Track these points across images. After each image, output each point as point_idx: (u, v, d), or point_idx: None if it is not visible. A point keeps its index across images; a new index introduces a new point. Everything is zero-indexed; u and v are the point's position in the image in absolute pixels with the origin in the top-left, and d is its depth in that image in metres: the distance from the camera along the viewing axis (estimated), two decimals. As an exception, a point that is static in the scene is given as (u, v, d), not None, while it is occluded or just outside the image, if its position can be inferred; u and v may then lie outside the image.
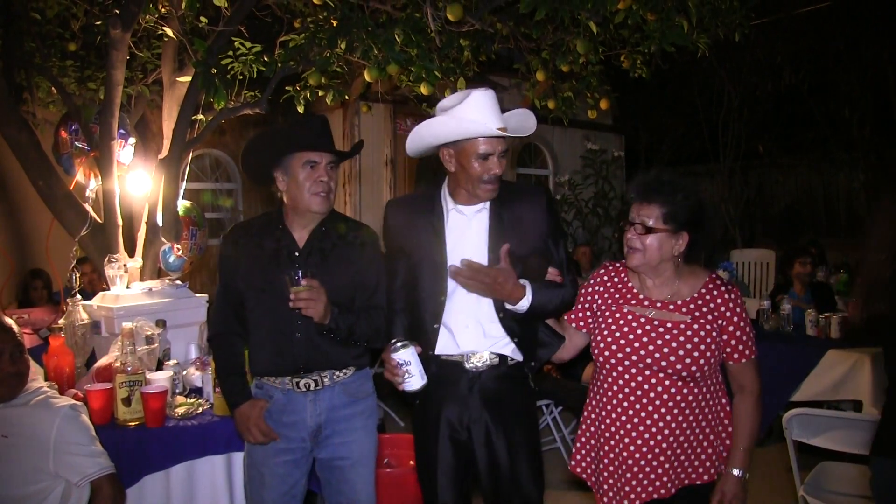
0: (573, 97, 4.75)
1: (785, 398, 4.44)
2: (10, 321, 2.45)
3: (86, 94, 4.54)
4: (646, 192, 2.21)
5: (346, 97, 4.60)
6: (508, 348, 2.37)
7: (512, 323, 2.35)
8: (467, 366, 2.37)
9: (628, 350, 2.22)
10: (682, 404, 2.18)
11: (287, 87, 4.20)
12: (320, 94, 4.16)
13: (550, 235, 2.41)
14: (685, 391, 2.18)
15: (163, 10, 3.85)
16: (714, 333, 2.17)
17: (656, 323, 2.22)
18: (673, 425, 2.17)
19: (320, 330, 2.37)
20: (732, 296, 2.19)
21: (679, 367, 2.15)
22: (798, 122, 10.48)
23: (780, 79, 9.79)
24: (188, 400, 2.96)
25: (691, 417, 2.19)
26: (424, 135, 2.41)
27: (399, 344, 2.24)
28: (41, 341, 4.08)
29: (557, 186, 9.26)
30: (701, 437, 2.23)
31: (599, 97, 4.72)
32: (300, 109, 4.18)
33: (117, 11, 3.57)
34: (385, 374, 2.32)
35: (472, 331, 2.37)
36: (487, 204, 2.41)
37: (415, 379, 2.26)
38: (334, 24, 3.65)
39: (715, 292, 2.20)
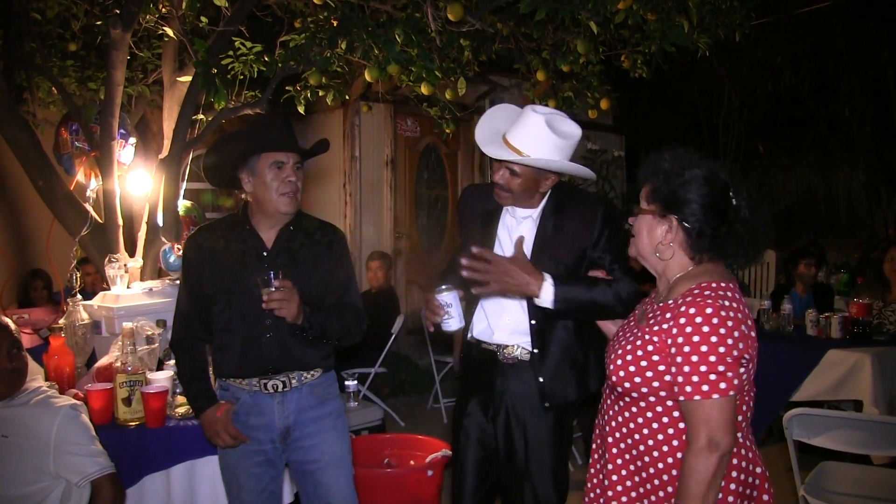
0: (573, 97, 4.75)
1: (785, 398, 4.44)
2: (6, 319, 2.45)
3: (86, 94, 4.54)
4: (644, 170, 1.90)
5: (347, 97, 4.59)
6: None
7: (544, 329, 2.40)
8: (500, 357, 2.47)
9: (607, 361, 1.91)
10: (633, 426, 1.81)
11: (287, 87, 4.19)
12: (321, 94, 4.16)
13: (596, 245, 2.40)
14: (635, 411, 1.81)
15: (163, 9, 3.85)
16: (671, 351, 1.70)
17: (626, 332, 1.90)
18: (633, 450, 1.83)
19: (293, 330, 2.36)
20: (703, 311, 1.65)
21: (627, 385, 1.79)
22: (798, 123, 10.48)
23: (781, 79, 9.79)
24: (189, 400, 2.96)
25: (649, 443, 1.79)
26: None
27: (444, 287, 2.32)
28: (41, 341, 4.07)
29: (558, 186, 9.25)
30: (663, 471, 1.78)
31: (600, 97, 4.72)
32: (300, 109, 4.18)
33: (117, 11, 3.58)
34: (425, 313, 2.38)
35: (508, 323, 2.47)
36: (539, 212, 2.46)
37: (454, 321, 2.34)
38: (335, 24, 3.65)
39: (689, 299, 1.70)
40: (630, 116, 10.43)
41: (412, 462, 3.56)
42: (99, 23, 4.14)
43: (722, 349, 1.62)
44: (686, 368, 1.64)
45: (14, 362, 2.38)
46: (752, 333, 1.72)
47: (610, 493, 1.87)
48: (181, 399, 2.95)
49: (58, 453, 2.31)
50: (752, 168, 11.18)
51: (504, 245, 2.47)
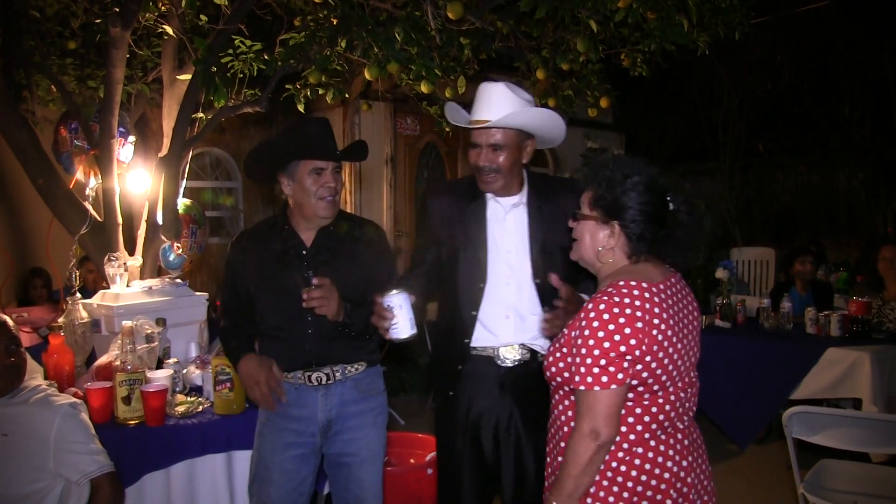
0: (573, 95, 4.75)
1: (785, 396, 4.44)
2: (3, 316, 2.46)
3: (86, 93, 4.53)
4: (587, 176, 1.93)
5: (347, 95, 4.59)
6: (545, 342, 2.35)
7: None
8: (498, 362, 2.41)
9: None
10: (556, 412, 1.92)
11: (287, 86, 4.19)
12: (320, 92, 4.15)
13: None
14: (557, 399, 1.91)
15: (163, 8, 3.84)
16: (575, 343, 1.77)
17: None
18: (556, 435, 1.93)
19: (335, 327, 2.40)
20: (597, 307, 1.72)
21: (548, 374, 1.89)
22: (798, 122, 10.46)
23: (780, 78, 9.77)
24: (188, 398, 2.96)
25: (564, 429, 1.88)
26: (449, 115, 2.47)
27: (393, 291, 2.20)
28: (41, 340, 4.07)
29: (557, 185, 9.24)
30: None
31: (600, 95, 4.71)
32: (300, 108, 4.18)
33: (117, 9, 3.57)
34: (373, 319, 2.25)
35: (512, 321, 2.41)
36: (524, 197, 2.45)
37: (402, 326, 2.20)
38: (334, 23, 3.64)
39: (596, 296, 1.78)
40: (630, 115, 10.44)
41: (412, 461, 3.56)
42: (98, 21, 4.13)
43: (607, 344, 1.68)
44: (577, 360, 1.73)
45: (12, 358, 2.39)
46: (656, 333, 1.71)
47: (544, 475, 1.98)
48: (181, 398, 2.95)
49: (57, 452, 2.31)
50: (751, 167, 11.17)
51: (497, 239, 2.44)
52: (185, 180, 4.10)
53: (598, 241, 1.84)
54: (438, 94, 4.30)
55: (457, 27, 3.79)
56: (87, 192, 4.07)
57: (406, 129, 7.62)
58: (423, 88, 3.88)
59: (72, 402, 2.41)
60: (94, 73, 4.52)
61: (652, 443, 1.77)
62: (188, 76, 3.83)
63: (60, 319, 3.40)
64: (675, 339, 1.75)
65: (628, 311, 1.69)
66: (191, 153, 4.16)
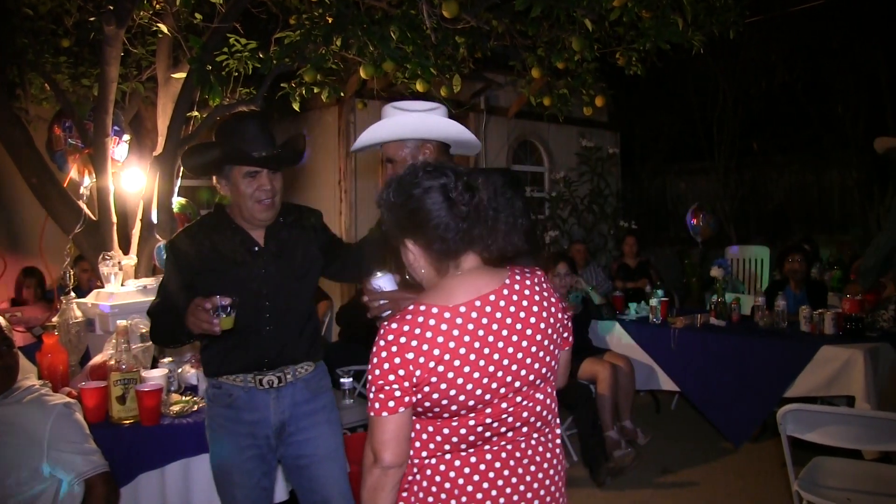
0: (568, 94, 4.75)
1: (779, 394, 4.46)
2: None
3: (79, 91, 4.52)
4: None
5: (342, 94, 4.59)
6: None
7: None
8: None
9: None
10: None
11: (282, 84, 4.19)
12: (316, 91, 4.15)
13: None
14: None
15: (157, 6, 3.84)
16: None
17: None
18: None
19: (292, 326, 2.46)
20: (378, 332, 1.66)
21: None
22: (792, 120, 10.50)
23: (775, 77, 9.81)
24: (183, 398, 2.96)
25: None
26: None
27: (379, 273, 2.17)
28: (34, 339, 4.07)
29: (553, 183, 9.25)
30: None
31: (595, 94, 4.72)
32: (296, 106, 4.17)
33: (111, 7, 3.56)
34: (364, 300, 2.20)
35: None
36: None
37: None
38: (330, 21, 3.64)
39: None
40: (625, 114, 10.45)
41: (407, 459, 3.56)
42: (92, 19, 4.13)
43: (378, 372, 1.62)
44: (367, 385, 1.68)
45: (3, 359, 2.37)
46: (433, 365, 1.60)
47: None
48: (176, 397, 2.95)
49: (51, 452, 2.30)
50: (746, 165, 11.21)
51: None
52: (180, 179, 4.10)
53: (409, 262, 1.76)
54: (434, 92, 4.30)
55: (452, 26, 3.79)
56: (82, 190, 4.06)
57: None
58: (419, 87, 3.88)
59: (66, 402, 2.41)
60: (88, 72, 4.52)
61: (447, 457, 1.69)
62: (183, 74, 3.82)
63: (54, 319, 3.39)
64: (472, 367, 1.63)
65: (402, 339, 1.61)
66: (185, 152, 4.15)
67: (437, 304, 1.65)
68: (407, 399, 1.63)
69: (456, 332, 1.62)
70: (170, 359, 3.21)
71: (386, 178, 2.33)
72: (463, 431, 1.67)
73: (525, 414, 1.72)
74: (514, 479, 1.70)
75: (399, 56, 3.54)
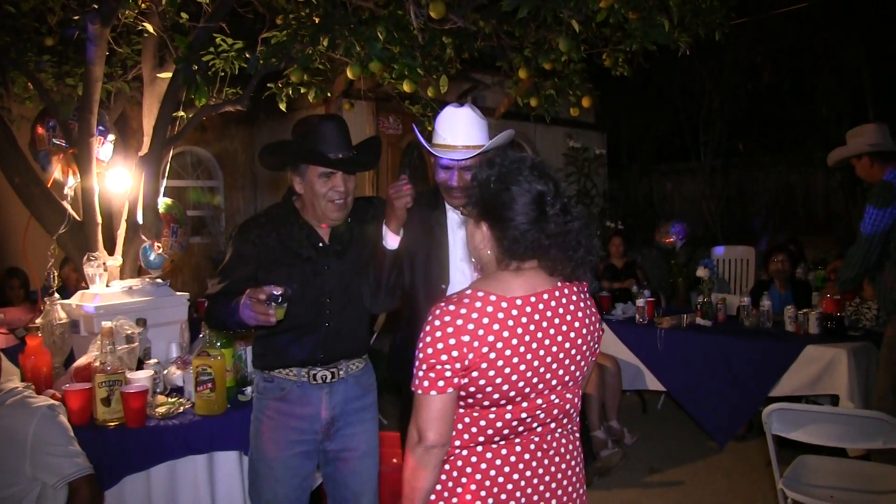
0: (555, 95, 4.77)
1: (764, 393, 4.49)
2: None
3: (64, 90, 4.48)
4: (473, 172, 1.84)
5: (329, 94, 4.58)
6: None
7: None
8: None
9: None
10: None
11: (269, 84, 4.17)
12: (302, 91, 4.14)
13: None
14: None
15: (143, 5, 3.81)
16: None
17: None
18: None
19: (351, 319, 2.50)
20: (433, 312, 1.70)
21: None
22: (777, 122, 10.58)
23: (760, 78, 9.88)
24: (169, 399, 2.94)
25: None
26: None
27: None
28: (17, 341, 4.03)
29: (540, 184, 9.27)
30: None
31: (581, 95, 4.74)
32: (282, 107, 4.16)
33: (96, 6, 3.53)
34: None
35: None
36: None
37: None
38: (316, 21, 3.63)
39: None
40: (612, 114, 10.50)
41: (395, 460, 3.56)
42: (77, 17, 4.09)
43: (430, 350, 1.65)
44: (414, 362, 1.70)
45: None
46: (486, 350, 1.64)
47: None
48: (161, 398, 2.93)
49: (35, 454, 2.28)
50: (732, 166, 11.28)
51: (454, 246, 2.57)
52: (165, 179, 4.07)
53: (475, 241, 1.79)
54: (421, 93, 4.31)
55: (439, 26, 3.79)
56: (66, 190, 4.03)
57: (388, 128, 7.62)
58: (406, 87, 3.87)
59: (49, 405, 2.39)
60: (73, 71, 4.47)
61: (479, 449, 1.74)
62: (169, 74, 3.80)
63: (38, 320, 3.36)
64: (520, 359, 1.67)
65: (460, 322, 1.65)
66: (171, 152, 4.13)
67: (495, 293, 1.70)
68: (456, 380, 1.66)
69: (511, 323, 1.67)
70: (155, 360, 3.19)
71: (451, 181, 2.51)
72: (499, 424, 1.72)
73: (555, 411, 1.78)
74: (540, 471, 1.77)
75: (386, 56, 3.54)
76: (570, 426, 1.84)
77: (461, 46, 4.42)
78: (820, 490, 3.06)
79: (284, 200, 2.55)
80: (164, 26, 3.86)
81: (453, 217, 2.61)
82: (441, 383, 1.65)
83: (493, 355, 1.65)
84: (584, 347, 1.79)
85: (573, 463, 1.83)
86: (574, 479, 1.83)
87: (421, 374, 1.67)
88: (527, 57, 4.43)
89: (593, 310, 1.86)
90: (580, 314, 1.79)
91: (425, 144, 2.56)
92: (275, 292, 2.15)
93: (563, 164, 9.50)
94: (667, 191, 12.18)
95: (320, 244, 2.47)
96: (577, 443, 1.87)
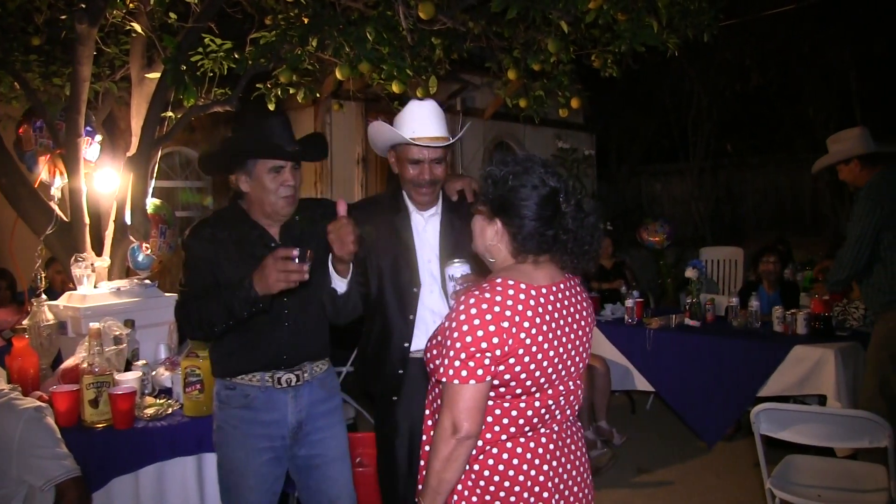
0: (544, 96, 4.77)
1: (753, 393, 4.51)
2: None
3: (51, 90, 4.45)
4: (483, 170, 1.89)
5: (318, 95, 4.58)
6: None
7: None
8: None
9: None
10: (436, 404, 1.88)
11: (258, 85, 4.16)
12: (291, 91, 4.13)
13: None
14: (438, 390, 1.88)
15: (131, 5, 3.79)
16: (445, 335, 1.76)
17: None
18: (434, 426, 1.89)
19: (310, 321, 2.44)
20: (467, 301, 1.70)
21: (424, 363, 1.90)
22: (765, 123, 10.63)
23: (748, 80, 9.92)
24: (157, 400, 2.92)
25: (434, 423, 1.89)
26: (373, 136, 2.58)
27: (456, 260, 2.23)
28: (4, 343, 4.00)
29: (529, 185, 9.29)
30: None
31: (570, 96, 4.74)
32: (271, 107, 4.15)
33: (83, 5, 3.52)
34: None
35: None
36: (439, 209, 2.59)
37: None
38: (306, 22, 3.63)
39: (470, 291, 1.78)
40: (600, 115, 10.52)
41: (358, 460, 3.55)
42: (64, 17, 4.07)
43: (469, 339, 1.65)
44: (444, 351, 1.70)
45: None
46: (524, 336, 1.67)
47: (421, 463, 1.91)
48: (150, 400, 2.92)
49: (21, 457, 2.27)
50: (720, 167, 11.32)
51: (420, 248, 2.55)
52: (154, 180, 4.06)
53: (487, 237, 1.82)
54: (410, 93, 4.30)
55: (428, 27, 3.80)
56: (53, 191, 4.01)
57: (378, 128, 7.59)
58: (395, 88, 3.87)
59: (36, 406, 2.37)
60: (60, 71, 4.44)
61: (509, 444, 1.75)
62: (157, 74, 3.79)
63: (25, 321, 3.34)
64: (549, 345, 1.71)
65: (497, 308, 1.66)
66: (160, 152, 4.11)
67: (523, 282, 1.73)
68: (493, 368, 1.67)
69: (540, 310, 1.72)
70: (143, 361, 3.18)
71: (422, 176, 2.47)
72: (529, 413, 1.74)
73: (572, 398, 1.84)
74: (563, 460, 1.81)
75: (375, 57, 3.54)
76: (576, 420, 1.90)
77: (450, 47, 4.42)
78: (807, 489, 3.08)
79: (231, 203, 2.49)
80: (153, 26, 3.84)
81: (417, 219, 2.59)
82: (480, 371, 1.65)
83: (528, 341, 1.68)
84: (586, 337, 1.86)
85: (584, 452, 1.91)
86: (587, 471, 1.91)
87: (458, 363, 1.66)
88: (516, 58, 4.44)
89: (589, 303, 1.92)
90: (584, 304, 1.87)
91: (404, 138, 2.47)
92: (295, 251, 2.13)
93: (552, 165, 9.51)
94: (656, 192, 12.22)
95: (272, 244, 2.42)
96: (582, 433, 1.94)
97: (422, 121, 2.46)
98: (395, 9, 3.51)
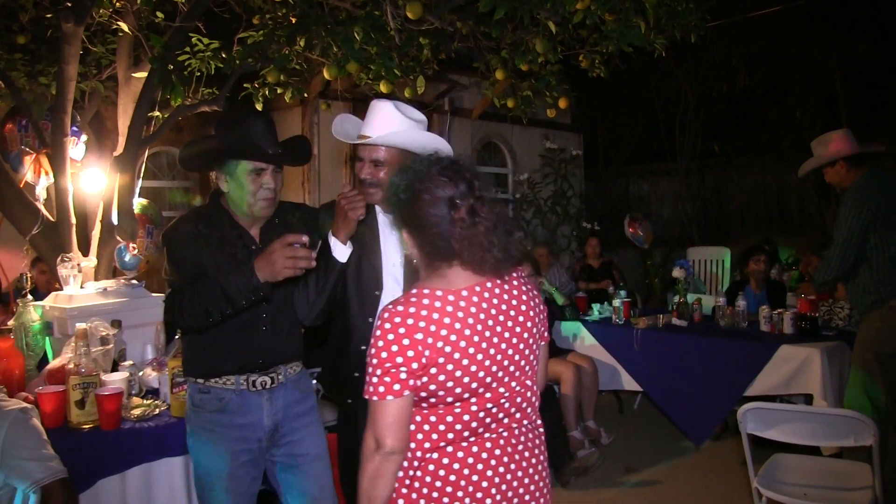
0: (532, 96, 4.78)
1: (739, 393, 4.53)
2: None
3: (36, 90, 4.42)
4: None
5: (305, 95, 4.57)
6: None
7: None
8: None
9: None
10: None
11: (245, 85, 4.15)
12: (279, 91, 4.12)
13: None
14: None
15: (117, 4, 3.78)
16: None
17: None
18: None
19: (287, 322, 2.42)
20: (382, 315, 1.68)
21: None
22: (752, 123, 10.68)
23: (736, 80, 9.97)
24: (144, 401, 2.91)
25: None
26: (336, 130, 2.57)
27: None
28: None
29: (517, 185, 9.30)
30: None
31: (558, 96, 4.76)
32: (259, 107, 4.14)
33: (69, 4, 3.50)
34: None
35: None
36: None
37: None
38: (293, 21, 3.62)
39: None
40: (588, 116, 10.55)
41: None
42: (49, 15, 4.04)
43: (384, 354, 1.64)
44: (367, 369, 1.68)
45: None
46: (441, 345, 1.64)
47: None
48: (137, 400, 2.91)
49: (6, 459, 2.25)
50: (707, 167, 11.37)
51: (386, 251, 2.52)
52: (140, 180, 4.04)
53: (409, 246, 1.80)
54: (398, 93, 4.30)
55: (416, 27, 3.80)
56: (38, 191, 3.98)
57: (366, 128, 7.56)
58: (383, 88, 3.87)
59: (21, 408, 2.36)
60: (46, 70, 4.41)
61: (449, 449, 1.72)
62: (144, 74, 3.77)
63: (10, 322, 3.31)
64: (476, 349, 1.67)
65: (410, 321, 1.64)
66: (147, 152, 4.09)
67: (440, 288, 1.70)
68: (412, 382, 1.65)
69: (460, 314, 1.67)
70: (130, 362, 3.16)
71: (360, 173, 2.43)
72: (466, 418, 1.71)
73: (519, 399, 1.78)
74: (512, 465, 1.76)
75: (363, 57, 3.54)
76: (533, 417, 1.85)
77: (438, 47, 4.42)
78: (794, 488, 3.10)
79: (212, 201, 2.45)
80: (140, 25, 3.83)
81: (384, 220, 2.53)
82: (397, 387, 1.63)
83: (448, 349, 1.64)
84: (535, 331, 1.80)
85: (542, 458, 1.84)
86: (543, 471, 1.83)
87: (375, 379, 1.64)
88: (504, 58, 4.44)
89: (535, 293, 1.85)
90: (525, 297, 1.80)
91: (342, 137, 2.49)
92: (304, 238, 2.10)
93: (540, 165, 9.53)
94: (643, 192, 12.26)
95: (253, 246, 2.39)
96: (542, 438, 1.87)
97: (368, 120, 2.45)
98: (383, 9, 3.51)
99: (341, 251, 2.36)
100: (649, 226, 8.28)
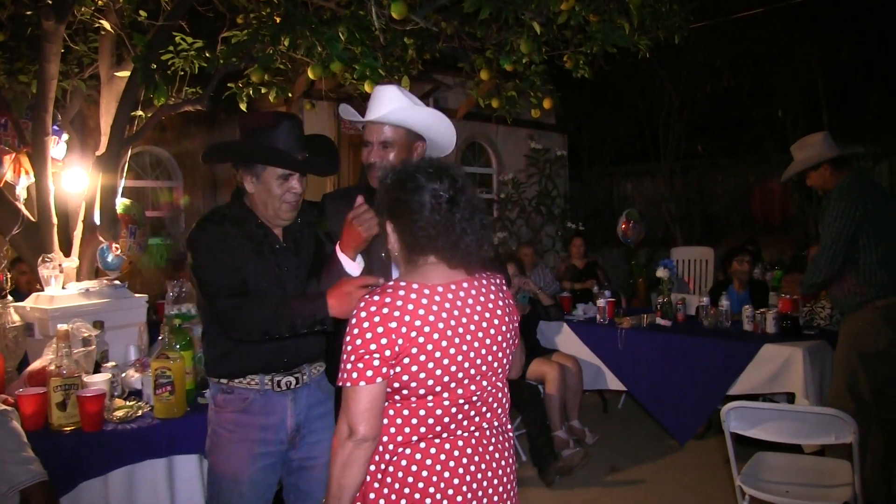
0: (517, 96, 4.79)
1: (723, 392, 4.56)
2: None
3: (16, 88, 4.37)
4: None
5: (290, 95, 4.56)
6: None
7: None
8: None
9: None
10: None
11: (229, 84, 4.13)
12: (263, 91, 4.11)
13: None
14: None
15: (100, 2, 3.74)
16: None
17: None
18: None
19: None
20: (358, 304, 1.73)
21: None
22: (736, 124, 10.78)
23: (719, 81, 10.06)
24: (127, 403, 2.89)
25: None
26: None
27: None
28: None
29: (501, 185, 9.33)
30: None
31: (543, 96, 4.77)
32: (243, 107, 4.12)
33: (50, 2, 3.46)
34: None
35: None
36: None
37: None
38: (277, 21, 3.61)
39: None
40: (573, 116, 10.60)
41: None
42: (29, 13, 4.00)
43: (359, 341, 1.67)
44: (342, 356, 1.71)
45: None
46: (416, 335, 1.67)
47: None
48: (119, 402, 2.88)
49: (-14, 461, 2.23)
50: (691, 167, 11.46)
51: (379, 245, 2.44)
52: (123, 179, 4.01)
53: (390, 240, 1.83)
54: (383, 93, 4.29)
55: (401, 27, 3.79)
56: (18, 191, 3.94)
57: (350, 128, 7.57)
58: (367, 88, 3.86)
59: (1, 410, 2.33)
60: (26, 68, 4.36)
61: (422, 445, 1.74)
62: (127, 73, 3.75)
63: (-10, 323, 3.28)
64: (449, 343, 1.71)
65: (385, 310, 1.68)
66: (130, 151, 4.06)
67: (416, 282, 1.74)
68: (385, 370, 1.68)
69: (435, 308, 1.71)
70: (113, 363, 3.14)
71: (369, 158, 2.42)
72: (438, 412, 1.73)
73: (490, 399, 1.81)
74: (483, 465, 1.78)
75: (347, 57, 3.53)
76: (504, 418, 1.87)
77: (423, 47, 4.42)
78: (776, 486, 3.12)
79: (235, 199, 2.43)
80: (122, 24, 3.80)
81: None
82: (370, 373, 1.66)
83: (421, 339, 1.68)
84: (509, 336, 1.84)
85: (511, 461, 1.87)
86: (511, 473, 1.87)
87: (349, 366, 1.67)
88: (488, 58, 4.45)
89: (509, 301, 1.89)
90: (500, 302, 1.84)
91: (353, 119, 2.50)
92: (380, 281, 2.09)
93: (525, 166, 9.55)
94: (627, 192, 12.33)
95: (277, 245, 2.41)
96: (512, 443, 1.90)
97: (373, 103, 2.42)
98: (368, 8, 3.50)
99: (353, 267, 2.31)
100: (642, 227, 8.33)
